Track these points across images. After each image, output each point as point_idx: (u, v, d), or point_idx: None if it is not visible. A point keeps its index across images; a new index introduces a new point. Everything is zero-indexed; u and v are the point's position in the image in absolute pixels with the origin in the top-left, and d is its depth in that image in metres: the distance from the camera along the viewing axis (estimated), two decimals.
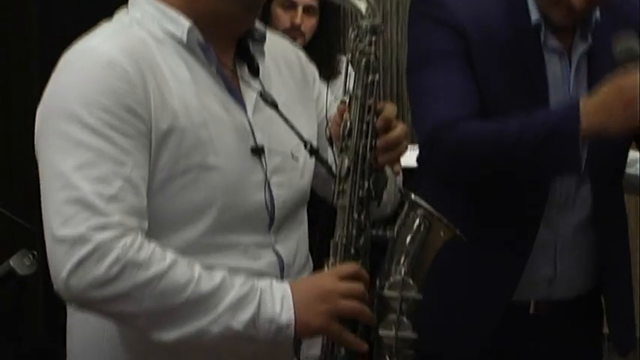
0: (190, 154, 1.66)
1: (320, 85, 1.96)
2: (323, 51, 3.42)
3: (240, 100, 1.75)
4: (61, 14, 3.57)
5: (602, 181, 2.20)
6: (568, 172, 2.06)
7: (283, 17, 3.44)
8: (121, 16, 1.77)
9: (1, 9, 3.65)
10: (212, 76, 1.73)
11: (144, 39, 1.70)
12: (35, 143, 1.66)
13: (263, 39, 1.82)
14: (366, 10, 1.72)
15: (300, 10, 3.42)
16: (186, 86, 1.69)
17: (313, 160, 1.82)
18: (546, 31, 2.14)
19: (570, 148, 1.96)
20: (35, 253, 2.98)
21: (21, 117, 3.04)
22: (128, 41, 1.67)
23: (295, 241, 1.82)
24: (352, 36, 1.73)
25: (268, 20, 3.41)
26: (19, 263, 2.99)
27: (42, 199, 1.61)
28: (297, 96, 1.86)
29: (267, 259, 1.75)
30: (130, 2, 1.79)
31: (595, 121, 1.95)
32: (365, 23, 1.71)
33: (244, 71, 1.79)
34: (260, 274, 1.68)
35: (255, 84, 1.78)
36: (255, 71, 1.80)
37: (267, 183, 1.74)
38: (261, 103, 1.77)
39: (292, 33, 3.35)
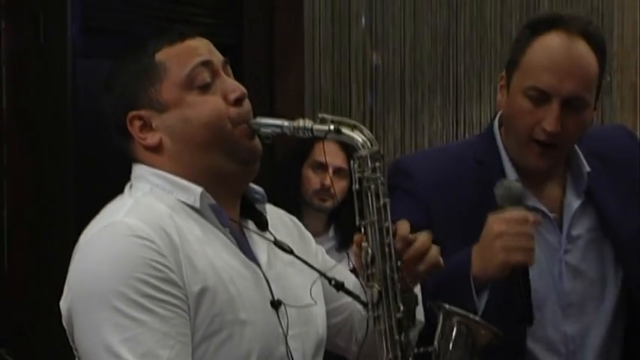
0: (223, 312, 1.71)
1: (316, 245, 2.02)
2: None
3: (252, 256, 1.80)
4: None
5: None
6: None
7: (314, 179, 3.55)
8: (130, 192, 1.81)
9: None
10: (224, 234, 1.79)
11: (161, 208, 1.74)
12: (74, 327, 1.71)
13: (264, 198, 1.88)
14: (363, 142, 1.77)
15: (330, 172, 3.51)
16: (206, 247, 1.74)
17: (324, 309, 1.89)
18: (524, 191, 2.14)
19: (464, 293, 2.01)
20: None
21: None
22: (149, 212, 1.72)
23: None
24: (355, 167, 1.78)
25: (299, 182, 3.56)
26: None
27: None
28: (300, 252, 1.90)
29: None
30: (133, 177, 1.83)
31: (477, 266, 2.01)
32: (364, 153, 1.76)
33: (251, 227, 1.85)
34: None
35: (265, 237, 1.84)
36: (264, 225, 1.86)
37: (285, 337, 1.78)
38: (272, 258, 1.82)
39: (322, 194, 3.51)
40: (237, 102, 1.80)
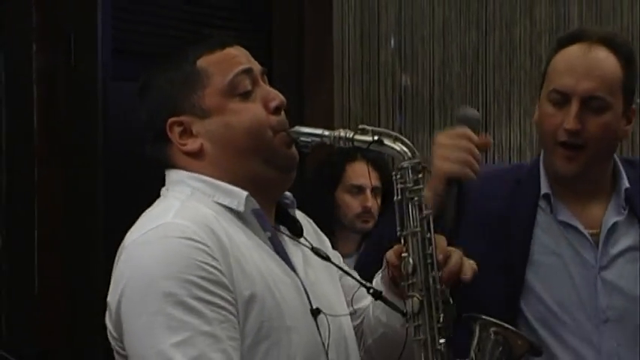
0: (272, 318, 1.72)
1: (332, 250, 2.02)
2: None
3: (290, 263, 1.82)
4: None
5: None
6: None
7: (353, 203, 3.49)
8: (173, 194, 1.81)
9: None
10: (264, 240, 1.80)
11: (206, 211, 1.75)
12: (124, 328, 1.71)
13: (294, 204, 1.91)
14: (405, 153, 1.78)
15: (368, 193, 3.48)
16: (252, 251, 1.75)
17: (349, 317, 1.89)
18: (555, 202, 2.23)
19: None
20: None
21: None
22: (198, 215, 1.73)
23: None
24: (397, 177, 1.79)
25: (332, 208, 3.50)
26: None
27: None
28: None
29: None
30: (169, 181, 1.85)
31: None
32: (405, 164, 1.78)
33: (286, 233, 1.86)
34: None
35: (301, 243, 1.86)
36: (299, 232, 1.87)
37: (325, 346, 1.80)
38: (306, 265, 1.84)
39: (365, 217, 3.45)
40: (277, 110, 1.82)
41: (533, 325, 2.17)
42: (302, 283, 1.79)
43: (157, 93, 1.83)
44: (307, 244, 1.85)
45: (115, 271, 1.74)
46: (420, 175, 1.78)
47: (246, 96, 1.81)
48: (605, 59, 2.19)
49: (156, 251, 1.68)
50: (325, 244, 1.97)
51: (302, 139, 1.81)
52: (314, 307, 1.78)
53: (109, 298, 1.73)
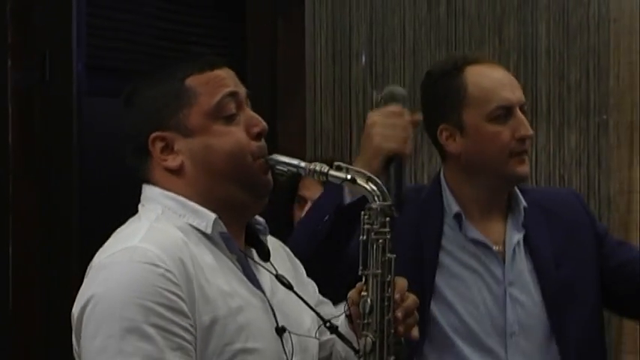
0: (233, 341, 1.73)
1: (307, 277, 2.04)
2: None
3: (258, 284, 1.84)
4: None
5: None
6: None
7: (297, 214, 3.58)
8: (144, 212, 1.83)
9: None
10: (231, 261, 1.81)
11: (175, 233, 1.76)
12: (81, 344, 1.72)
13: (266, 230, 1.92)
14: (376, 195, 1.81)
15: (309, 204, 3.49)
16: (217, 274, 1.76)
17: (317, 341, 1.91)
18: (465, 221, 2.33)
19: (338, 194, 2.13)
20: None
21: None
22: (166, 238, 1.74)
23: None
24: (364, 218, 1.81)
25: (291, 219, 3.59)
26: None
27: None
28: (295, 281, 1.93)
29: None
30: (144, 197, 1.86)
31: (359, 161, 2.08)
32: (375, 206, 1.80)
33: (254, 256, 1.88)
34: None
35: (267, 267, 1.87)
36: (266, 256, 1.88)
37: None
38: (274, 286, 1.85)
39: None
40: (258, 136, 1.85)
41: (448, 334, 2.27)
42: (269, 302, 1.82)
43: (142, 106, 1.85)
44: (272, 269, 1.86)
45: (81, 288, 1.75)
46: (388, 219, 1.80)
47: (230, 119, 1.83)
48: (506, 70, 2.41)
49: (118, 275, 1.69)
50: (299, 271, 2.01)
51: (279, 167, 1.85)
52: (279, 325, 1.80)
53: (73, 309, 1.74)
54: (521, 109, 2.33)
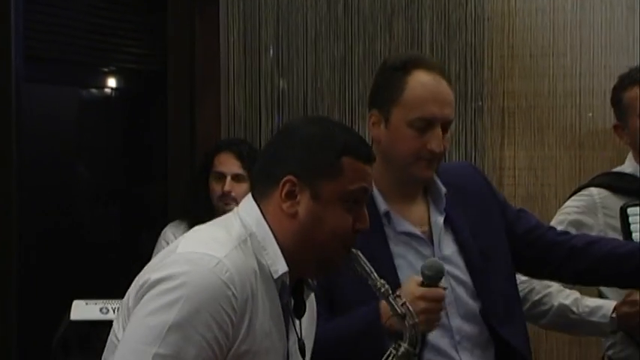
0: None
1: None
2: None
3: (287, 333, 1.94)
4: None
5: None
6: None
7: (216, 187, 3.76)
8: (236, 226, 1.90)
9: None
10: (279, 305, 1.91)
11: (252, 263, 1.86)
12: (139, 307, 1.80)
13: (312, 290, 2.01)
14: (412, 339, 1.95)
15: (228, 179, 3.75)
16: (267, 313, 1.86)
17: None
18: (394, 216, 2.38)
19: (377, 341, 2.18)
20: None
21: None
22: (244, 265, 1.83)
23: None
24: (392, 350, 1.95)
25: (207, 193, 3.78)
26: None
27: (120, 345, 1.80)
28: (308, 340, 2.05)
29: None
30: (244, 208, 1.94)
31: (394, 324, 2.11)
32: (402, 349, 1.95)
33: (291, 306, 1.96)
34: None
35: (296, 324, 1.96)
36: (300, 312, 1.97)
37: None
38: (294, 337, 1.96)
39: (225, 199, 3.70)
40: (358, 232, 1.93)
41: None
42: (288, 350, 1.93)
43: (300, 148, 1.90)
44: (298, 330, 1.95)
45: (164, 260, 1.83)
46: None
47: (350, 208, 1.91)
48: (449, 89, 2.42)
49: (196, 277, 1.77)
50: (313, 325, 2.09)
51: (355, 264, 1.94)
52: None
53: (149, 276, 1.81)
54: (443, 125, 2.35)
